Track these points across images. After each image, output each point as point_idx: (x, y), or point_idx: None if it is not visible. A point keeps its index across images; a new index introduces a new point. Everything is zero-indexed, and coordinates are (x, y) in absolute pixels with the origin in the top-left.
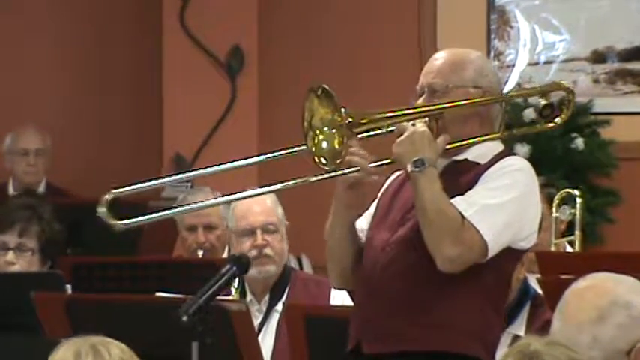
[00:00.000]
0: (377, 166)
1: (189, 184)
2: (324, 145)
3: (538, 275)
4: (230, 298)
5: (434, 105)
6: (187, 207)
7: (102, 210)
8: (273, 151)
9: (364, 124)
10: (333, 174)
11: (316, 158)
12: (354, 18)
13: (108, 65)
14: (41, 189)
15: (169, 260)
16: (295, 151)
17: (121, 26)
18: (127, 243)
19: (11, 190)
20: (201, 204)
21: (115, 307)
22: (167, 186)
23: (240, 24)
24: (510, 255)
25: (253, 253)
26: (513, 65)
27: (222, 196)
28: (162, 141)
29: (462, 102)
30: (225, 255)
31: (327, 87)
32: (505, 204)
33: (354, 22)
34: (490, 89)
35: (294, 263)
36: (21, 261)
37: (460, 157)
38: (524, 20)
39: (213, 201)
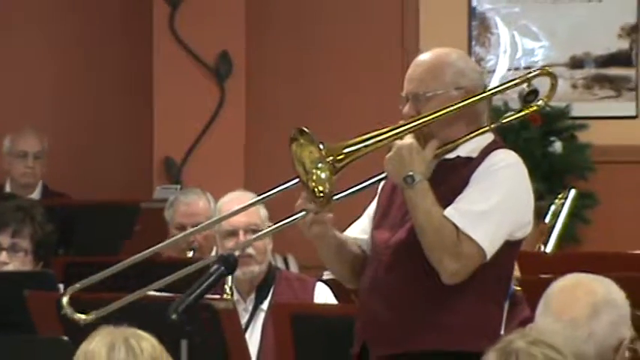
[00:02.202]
0: (373, 182)
1: (178, 186)
2: (323, 175)
3: (517, 274)
4: (218, 297)
5: (416, 120)
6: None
7: (65, 309)
8: (272, 188)
9: (347, 155)
10: (351, 191)
11: (317, 191)
12: (340, 24)
13: (100, 70)
14: (37, 190)
15: (158, 261)
16: (290, 186)
17: (113, 32)
18: (118, 243)
19: (8, 191)
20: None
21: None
22: (157, 188)
23: (229, 30)
24: (507, 248)
25: (236, 253)
26: (494, 71)
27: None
28: (152, 144)
29: (445, 111)
30: (213, 254)
31: (302, 128)
32: (496, 205)
33: (340, 28)
34: (472, 88)
35: (280, 263)
36: (14, 261)
37: (452, 155)
38: (505, 27)
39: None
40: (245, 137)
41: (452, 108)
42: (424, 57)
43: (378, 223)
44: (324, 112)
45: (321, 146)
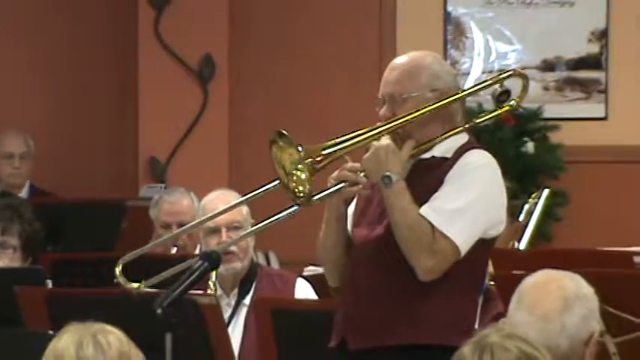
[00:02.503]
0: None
1: (163, 185)
2: (302, 177)
3: (491, 270)
4: (202, 292)
5: (392, 121)
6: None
7: (119, 278)
8: (253, 191)
9: (325, 157)
10: (334, 189)
11: (297, 191)
12: (320, 29)
13: (86, 72)
14: (25, 190)
15: (145, 256)
16: (271, 188)
17: (99, 35)
18: (105, 240)
19: None
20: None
21: (93, 301)
22: (143, 187)
23: (212, 34)
24: (481, 246)
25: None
26: (468, 73)
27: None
28: (137, 144)
29: (420, 112)
30: (197, 252)
31: (281, 131)
32: (470, 204)
33: (320, 33)
34: (447, 89)
35: (262, 259)
36: (3, 258)
37: (427, 156)
38: (479, 31)
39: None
40: (228, 138)
41: (427, 109)
42: (400, 60)
43: (357, 220)
44: (305, 114)
45: (299, 148)
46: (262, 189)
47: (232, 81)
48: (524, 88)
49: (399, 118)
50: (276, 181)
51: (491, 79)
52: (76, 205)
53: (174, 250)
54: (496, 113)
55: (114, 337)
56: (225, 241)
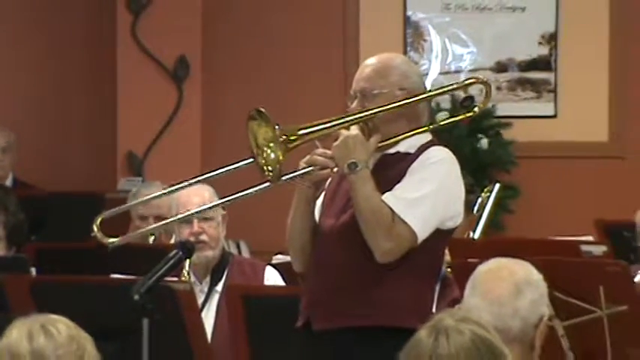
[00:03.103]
0: (318, 171)
1: (140, 178)
2: (272, 156)
3: (448, 258)
4: (176, 279)
5: (362, 112)
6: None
7: (95, 232)
8: (224, 166)
9: (300, 136)
10: (302, 171)
11: (264, 168)
12: (288, 32)
13: (68, 72)
14: (8, 182)
15: (123, 246)
16: (243, 164)
17: (80, 38)
18: (86, 231)
19: None
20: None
21: (75, 288)
22: (121, 180)
23: (186, 37)
24: (439, 236)
25: (191, 239)
26: (427, 74)
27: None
28: (116, 140)
29: (389, 107)
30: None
31: (260, 109)
32: (429, 194)
33: (288, 35)
34: (414, 89)
35: (233, 248)
36: None
37: (392, 151)
38: (436, 34)
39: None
40: (201, 134)
41: (396, 105)
42: (372, 60)
43: (325, 210)
44: (275, 112)
45: (276, 127)
46: (234, 165)
47: (205, 81)
48: (487, 95)
49: (370, 110)
50: (248, 160)
51: (456, 84)
52: (58, 197)
53: (151, 240)
54: (459, 118)
55: (61, 324)
56: (197, 231)
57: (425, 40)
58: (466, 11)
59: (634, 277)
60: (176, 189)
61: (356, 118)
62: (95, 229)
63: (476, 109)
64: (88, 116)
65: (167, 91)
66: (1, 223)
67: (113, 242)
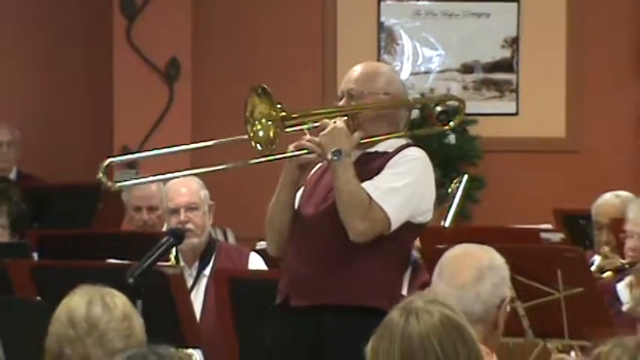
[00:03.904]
0: (305, 154)
1: (134, 171)
2: (261, 133)
3: (418, 244)
4: (168, 264)
5: (351, 106)
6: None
7: (100, 175)
8: (219, 139)
9: (295, 118)
10: (292, 154)
11: (253, 143)
12: (272, 36)
13: (67, 74)
14: (12, 175)
15: (118, 233)
16: (236, 139)
17: (78, 41)
18: (84, 219)
19: None
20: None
21: (74, 272)
22: (117, 172)
23: (177, 40)
24: (409, 228)
25: (178, 227)
26: (399, 75)
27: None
28: (112, 135)
29: (374, 105)
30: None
31: (266, 87)
32: (404, 187)
33: (272, 39)
34: (397, 96)
35: (220, 236)
36: None
37: (371, 150)
38: (408, 38)
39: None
40: (191, 130)
41: (382, 105)
42: (360, 65)
43: (305, 200)
44: None
45: (279, 105)
46: (228, 139)
47: (195, 81)
48: (461, 111)
49: (357, 106)
50: (243, 136)
51: (437, 97)
52: (58, 188)
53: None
54: (435, 130)
55: (120, 300)
56: (183, 220)
57: (397, 44)
58: (435, 17)
59: (589, 261)
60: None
61: (347, 110)
62: (100, 173)
63: (451, 123)
64: (86, 113)
65: (159, 90)
66: (5, 213)
67: (115, 186)
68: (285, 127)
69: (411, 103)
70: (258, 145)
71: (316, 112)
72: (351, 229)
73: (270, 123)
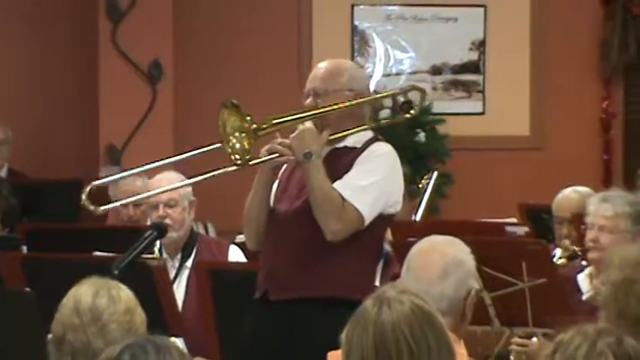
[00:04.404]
0: (277, 158)
1: (119, 167)
2: (237, 146)
3: (390, 237)
4: (152, 256)
5: (318, 109)
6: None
7: (83, 200)
8: (197, 148)
9: (265, 128)
10: (266, 158)
11: (232, 156)
12: (250, 38)
13: (55, 75)
14: (3, 172)
15: (104, 227)
16: (212, 149)
17: (66, 44)
18: (70, 213)
19: None
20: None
21: (61, 263)
22: (103, 169)
23: (160, 42)
24: (381, 220)
25: (162, 222)
26: (371, 76)
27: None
28: (98, 133)
29: (342, 105)
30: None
31: (234, 101)
32: (374, 183)
33: (250, 41)
34: (361, 91)
35: (201, 229)
36: None
37: (340, 145)
38: (380, 41)
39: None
40: (172, 128)
41: (347, 104)
42: (325, 63)
43: (279, 197)
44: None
45: (248, 117)
46: (204, 149)
47: (176, 82)
48: (422, 99)
49: (325, 107)
50: (218, 144)
51: (398, 89)
52: (47, 184)
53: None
54: (398, 120)
55: (125, 293)
56: (161, 215)
57: (370, 47)
58: (406, 21)
59: (551, 254)
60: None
61: (317, 114)
62: (84, 197)
63: (412, 112)
64: (73, 113)
65: (143, 91)
66: None
67: (99, 210)
68: (258, 137)
69: (376, 97)
70: (236, 156)
71: (285, 120)
72: (326, 229)
73: (243, 135)
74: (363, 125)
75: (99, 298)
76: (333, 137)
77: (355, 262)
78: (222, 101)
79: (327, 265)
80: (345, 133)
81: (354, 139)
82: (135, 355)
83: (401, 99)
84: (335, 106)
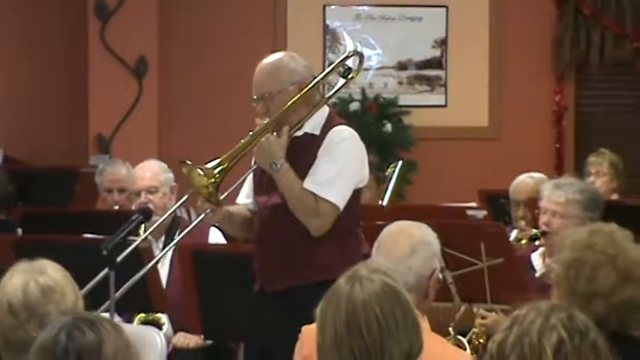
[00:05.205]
0: (249, 173)
1: (108, 155)
2: (207, 194)
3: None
4: (137, 238)
5: (267, 124)
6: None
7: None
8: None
9: (222, 171)
10: (201, 217)
11: (210, 203)
12: (228, 39)
13: (47, 71)
14: None
15: (93, 211)
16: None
17: (57, 41)
18: (63, 199)
19: None
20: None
21: (53, 245)
22: (92, 157)
23: (145, 40)
24: (353, 196)
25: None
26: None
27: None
28: (87, 124)
29: (289, 104)
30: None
31: (186, 161)
32: (340, 172)
33: (227, 41)
34: (304, 80)
35: (184, 214)
36: None
37: (300, 133)
38: (350, 39)
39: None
40: (157, 120)
41: (295, 98)
42: (262, 64)
43: (257, 189)
44: (217, 100)
45: (199, 172)
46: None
47: (161, 77)
48: (361, 62)
49: (273, 117)
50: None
51: (336, 62)
52: (40, 171)
53: (116, 208)
54: (341, 85)
55: (52, 278)
56: (143, 201)
57: (340, 44)
58: (374, 20)
59: (508, 235)
60: None
61: (265, 130)
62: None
63: (351, 75)
64: (64, 105)
65: (129, 85)
66: None
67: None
68: (219, 184)
69: (318, 80)
70: (212, 200)
71: (239, 153)
72: (309, 227)
73: (208, 186)
74: (314, 106)
75: (29, 292)
76: (292, 131)
77: (337, 243)
78: (180, 164)
79: (309, 254)
80: (301, 122)
81: (313, 124)
82: (70, 333)
83: (341, 69)
84: (285, 107)
